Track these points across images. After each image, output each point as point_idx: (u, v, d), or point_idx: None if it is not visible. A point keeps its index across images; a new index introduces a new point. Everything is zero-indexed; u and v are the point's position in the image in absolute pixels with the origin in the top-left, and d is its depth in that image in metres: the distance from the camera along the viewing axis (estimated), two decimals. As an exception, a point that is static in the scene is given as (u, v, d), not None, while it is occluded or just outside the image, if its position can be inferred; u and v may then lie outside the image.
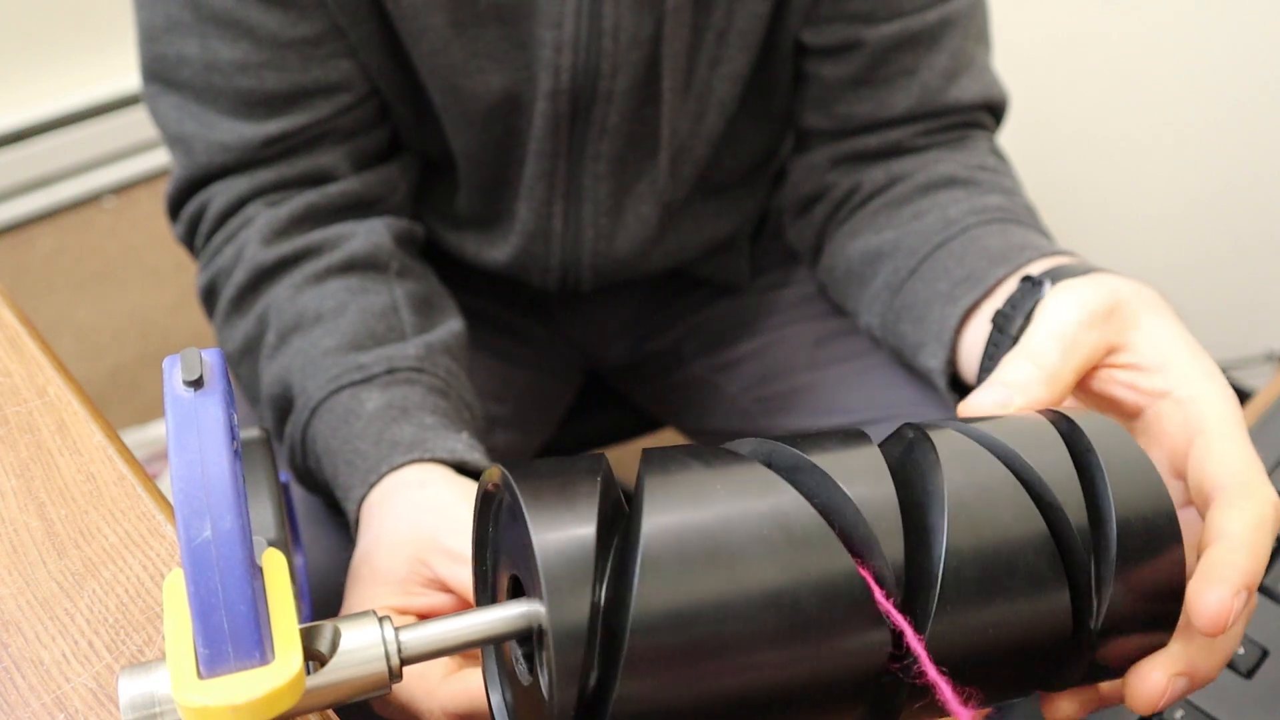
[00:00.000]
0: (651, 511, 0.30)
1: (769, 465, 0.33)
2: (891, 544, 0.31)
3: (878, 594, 0.31)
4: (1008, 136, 0.82)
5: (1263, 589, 0.51)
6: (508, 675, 0.35)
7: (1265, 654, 0.48)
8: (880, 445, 0.35)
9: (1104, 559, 0.33)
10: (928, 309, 0.63)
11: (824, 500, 0.32)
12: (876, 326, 0.70)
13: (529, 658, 0.34)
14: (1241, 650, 0.48)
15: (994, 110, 0.74)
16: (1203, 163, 1.46)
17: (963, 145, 0.71)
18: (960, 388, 0.63)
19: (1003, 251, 0.60)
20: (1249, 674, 0.47)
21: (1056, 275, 0.53)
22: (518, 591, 0.33)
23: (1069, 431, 0.36)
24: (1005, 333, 0.54)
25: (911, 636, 0.30)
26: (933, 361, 0.62)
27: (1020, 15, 1.52)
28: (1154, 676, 0.35)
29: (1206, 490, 0.38)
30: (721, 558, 0.30)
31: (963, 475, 0.33)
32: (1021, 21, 1.52)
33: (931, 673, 0.30)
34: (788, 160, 0.82)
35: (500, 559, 0.35)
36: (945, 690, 0.30)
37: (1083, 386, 0.46)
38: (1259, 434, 0.59)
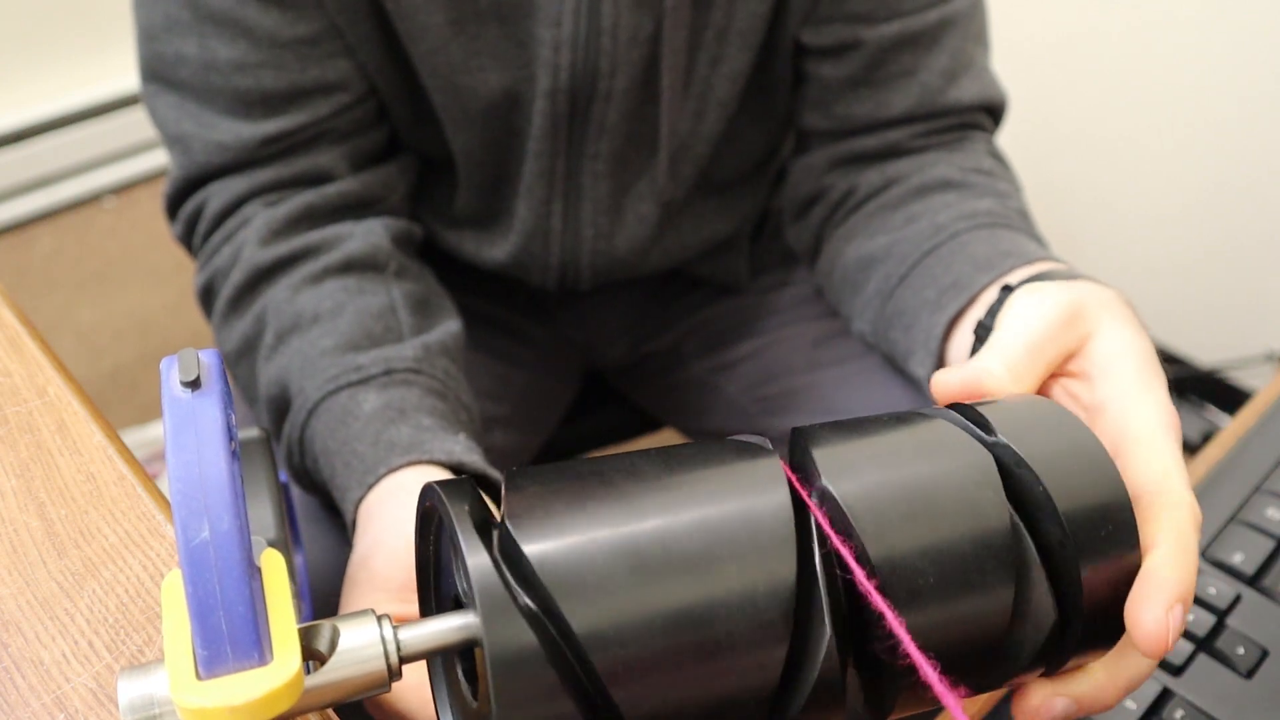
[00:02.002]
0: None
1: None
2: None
3: (858, 573, 0.31)
4: (1007, 137, 0.82)
5: (1262, 589, 0.51)
6: (457, 696, 0.35)
7: (1265, 654, 0.48)
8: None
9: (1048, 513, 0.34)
10: (916, 317, 0.63)
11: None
12: (869, 334, 0.70)
13: (471, 678, 0.34)
14: (1241, 650, 0.48)
15: (993, 111, 0.74)
16: (1202, 163, 1.47)
17: (960, 147, 0.71)
18: None
19: (988, 258, 0.60)
20: (1249, 674, 0.47)
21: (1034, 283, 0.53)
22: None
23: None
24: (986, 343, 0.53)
25: (892, 618, 0.30)
26: (921, 370, 0.62)
27: (1020, 15, 1.52)
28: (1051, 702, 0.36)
29: None
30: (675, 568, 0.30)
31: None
32: (1021, 21, 1.53)
33: (916, 655, 0.30)
34: (788, 161, 0.82)
35: (443, 575, 0.35)
36: (929, 672, 0.30)
37: (1042, 393, 0.45)
38: (1259, 434, 0.59)
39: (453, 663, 0.35)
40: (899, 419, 0.36)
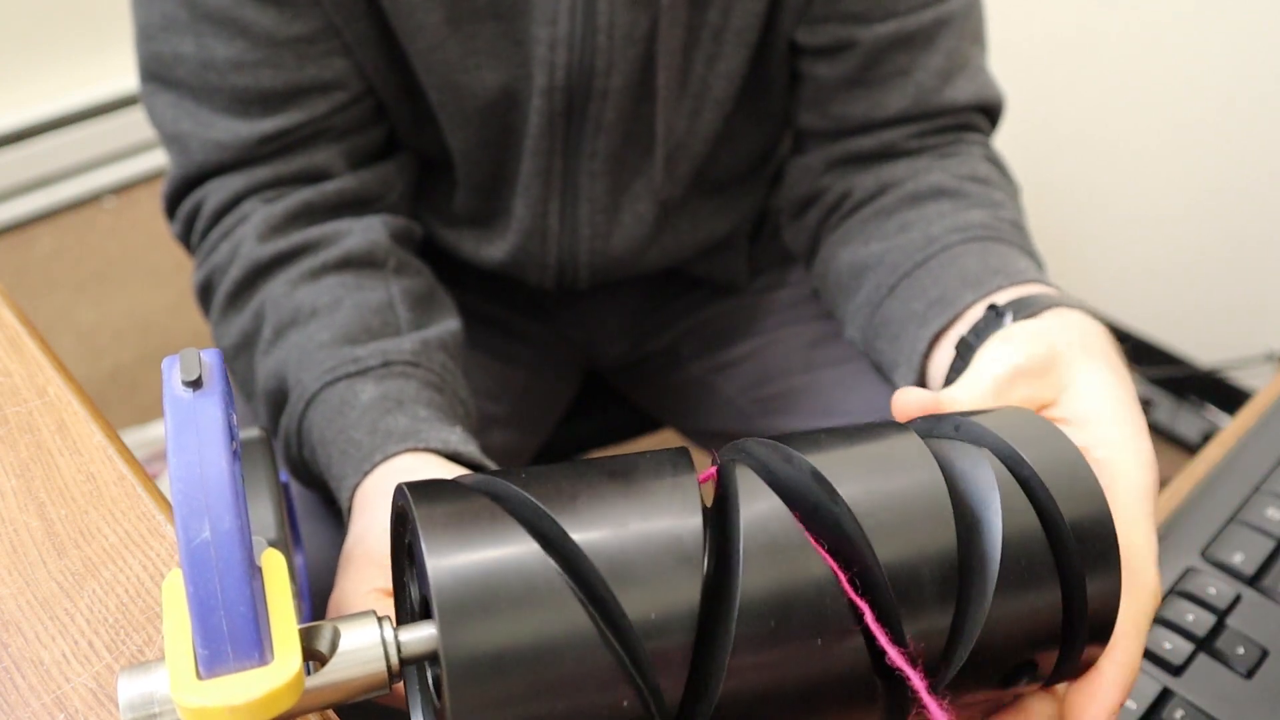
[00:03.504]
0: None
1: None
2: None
3: (840, 575, 0.31)
4: (1006, 137, 0.82)
5: (1262, 589, 0.51)
6: (428, 697, 0.35)
7: (1265, 654, 0.48)
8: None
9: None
10: (902, 329, 0.63)
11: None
12: (859, 341, 0.71)
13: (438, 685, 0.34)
14: (1241, 650, 0.48)
15: (989, 112, 0.74)
16: (1202, 163, 1.47)
17: (956, 151, 0.71)
18: None
19: (977, 275, 0.60)
20: (1249, 674, 0.47)
21: (1019, 308, 0.53)
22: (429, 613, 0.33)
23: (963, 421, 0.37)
24: (967, 360, 0.53)
25: (870, 617, 0.31)
26: (903, 383, 0.62)
27: (1019, 15, 1.52)
28: None
29: None
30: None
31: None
32: (1020, 21, 1.53)
33: (892, 653, 0.31)
34: (785, 161, 0.82)
35: (415, 576, 0.35)
36: (916, 679, 0.30)
37: None
38: (1259, 434, 0.59)
39: (424, 666, 0.35)
40: (874, 429, 0.36)
